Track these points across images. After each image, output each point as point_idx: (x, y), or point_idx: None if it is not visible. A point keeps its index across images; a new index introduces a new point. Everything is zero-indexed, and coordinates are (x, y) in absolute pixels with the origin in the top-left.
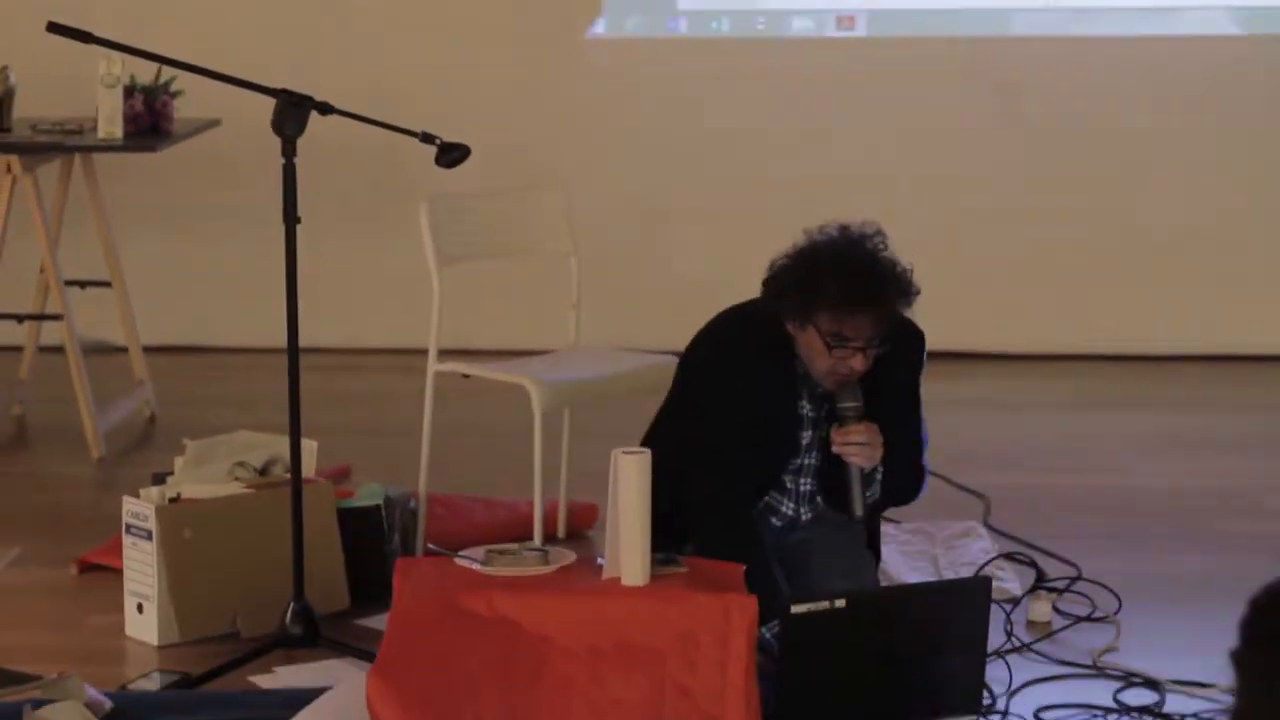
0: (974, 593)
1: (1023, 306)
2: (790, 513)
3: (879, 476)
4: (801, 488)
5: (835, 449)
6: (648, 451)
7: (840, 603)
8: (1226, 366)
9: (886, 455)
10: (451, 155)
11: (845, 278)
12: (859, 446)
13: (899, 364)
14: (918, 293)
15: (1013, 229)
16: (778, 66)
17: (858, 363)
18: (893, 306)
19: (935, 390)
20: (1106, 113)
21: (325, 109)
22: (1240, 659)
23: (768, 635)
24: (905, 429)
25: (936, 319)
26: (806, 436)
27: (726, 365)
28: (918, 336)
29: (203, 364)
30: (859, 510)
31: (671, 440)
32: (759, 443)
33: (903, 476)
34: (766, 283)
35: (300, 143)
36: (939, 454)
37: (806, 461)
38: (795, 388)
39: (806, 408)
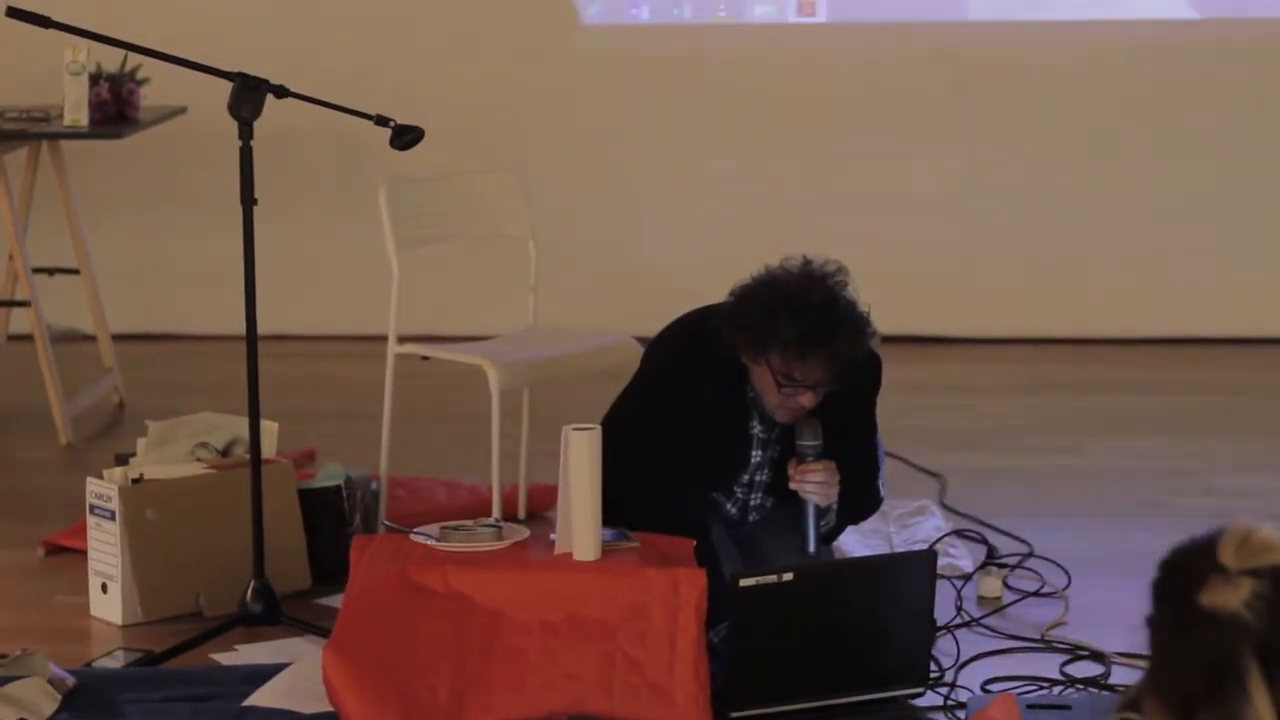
0: (919, 565)
1: (979, 291)
2: (735, 515)
3: (834, 507)
4: (752, 501)
5: (793, 485)
6: (598, 427)
7: (787, 576)
8: (1177, 349)
9: (842, 482)
10: (406, 137)
11: (798, 322)
12: (817, 485)
13: (855, 389)
14: (874, 334)
15: (969, 213)
16: (739, 52)
17: (806, 399)
18: (844, 351)
19: (894, 374)
20: (1062, 97)
21: (281, 92)
22: (1152, 619)
23: (715, 640)
24: (860, 453)
25: (896, 304)
26: (757, 455)
27: (682, 379)
28: (873, 362)
29: (171, 351)
30: (812, 546)
31: (624, 432)
32: (708, 458)
33: (857, 501)
34: (725, 312)
35: (275, 135)
36: (898, 435)
37: (758, 478)
38: (747, 408)
39: (757, 428)
